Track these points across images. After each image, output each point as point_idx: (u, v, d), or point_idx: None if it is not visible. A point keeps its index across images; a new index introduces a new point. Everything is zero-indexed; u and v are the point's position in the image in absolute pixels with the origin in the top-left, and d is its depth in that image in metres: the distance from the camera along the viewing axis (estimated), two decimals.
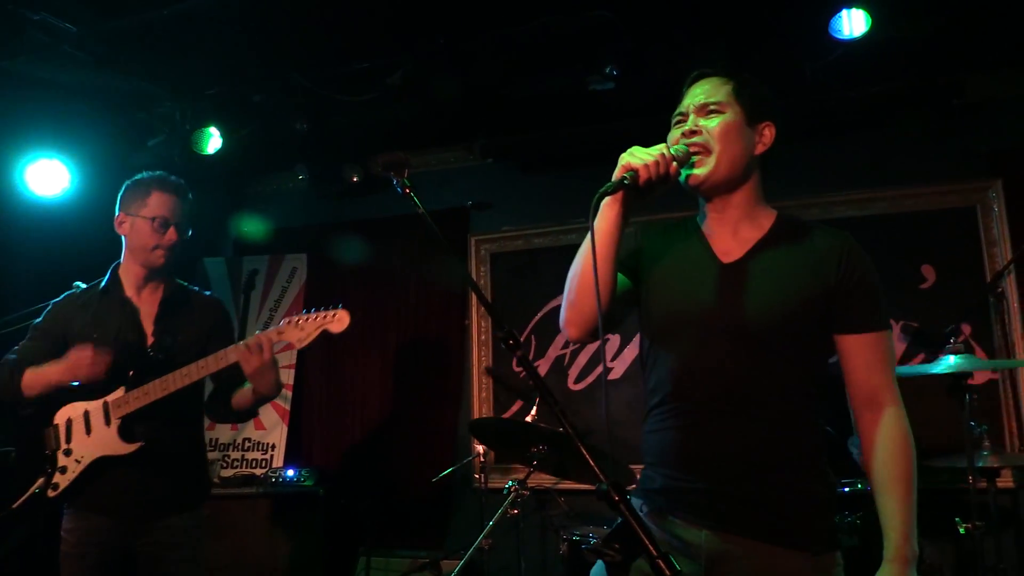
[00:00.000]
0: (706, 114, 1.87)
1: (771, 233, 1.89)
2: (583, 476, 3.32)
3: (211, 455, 4.87)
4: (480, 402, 4.78)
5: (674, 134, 1.91)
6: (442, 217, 4.96)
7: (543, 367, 4.65)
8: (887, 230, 4.18)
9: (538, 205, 4.78)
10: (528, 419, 3.62)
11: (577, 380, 4.58)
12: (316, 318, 2.67)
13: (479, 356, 4.83)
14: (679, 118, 1.92)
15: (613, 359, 4.53)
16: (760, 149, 1.91)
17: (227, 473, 4.77)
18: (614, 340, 4.54)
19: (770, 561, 1.72)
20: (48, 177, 4.24)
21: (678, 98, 1.99)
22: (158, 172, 2.88)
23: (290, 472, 4.53)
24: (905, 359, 4.08)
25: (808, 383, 1.82)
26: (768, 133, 1.92)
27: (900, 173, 4.22)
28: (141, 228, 2.77)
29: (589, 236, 1.84)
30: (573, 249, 4.90)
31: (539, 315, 4.70)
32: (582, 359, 4.58)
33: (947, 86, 4.07)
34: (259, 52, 4.20)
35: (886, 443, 1.79)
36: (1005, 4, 3.63)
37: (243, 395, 2.77)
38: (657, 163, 1.75)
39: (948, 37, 3.81)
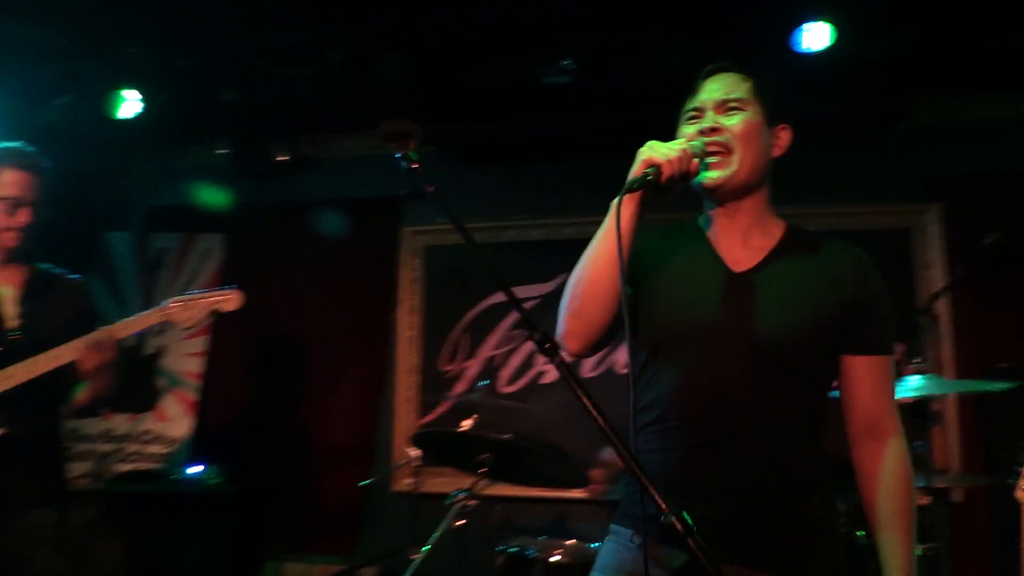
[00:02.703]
0: (726, 111, 1.73)
1: (783, 243, 1.77)
2: (537, 483, 3.20)
3: (105, 447, 4.47)
4: (405, 401, 4.54)
5: (688, 130, 1.76)
6: (373, 205, 4.72)
7: (473, 367, 4.46)
8: None
9: (478, 199, 4.59)
10: (466, 424, 3.42)
11: (509, 382, 4.41)
12: (206, 298, 2.61)
13: (406, 353, 4.59)
14: (694, 114, 1.78)
15: (547, 362, 4.38)
16: (776, 152, 1.80)
17: (124, 468, 4.37)
18: None
19: None
20: None
21: (689, 92, 1.86)
22: (12, 144, 2.65)
23: (195, 469, 4.18)
24: None
25: (817, 404, 1.71)
26: (784, 136, 1.81)
27: (841, 191, 4.25)
28: None
29: (600, 238, 1.68)
30: (513, 246, 4.75)
31: (473, 312, 4.51)
32: (515, 360, 4.42)
33: (894, 108, 4.13)
34: (188, 12, 3.86)
35: (891, 476, 1.69)
36: (956, 32, 3.70)
37: (81, 394, 2.61)
38: (680, 159, 1.61)
39: (900, 60, 3.86)
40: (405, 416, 4.51)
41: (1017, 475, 2.26)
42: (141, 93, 4.15)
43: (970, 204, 4.04)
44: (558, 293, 4.47)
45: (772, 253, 1.75)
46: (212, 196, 4.78)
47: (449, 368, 4.49)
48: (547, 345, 1.35)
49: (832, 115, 4.17)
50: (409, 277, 4.65)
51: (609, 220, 1.66)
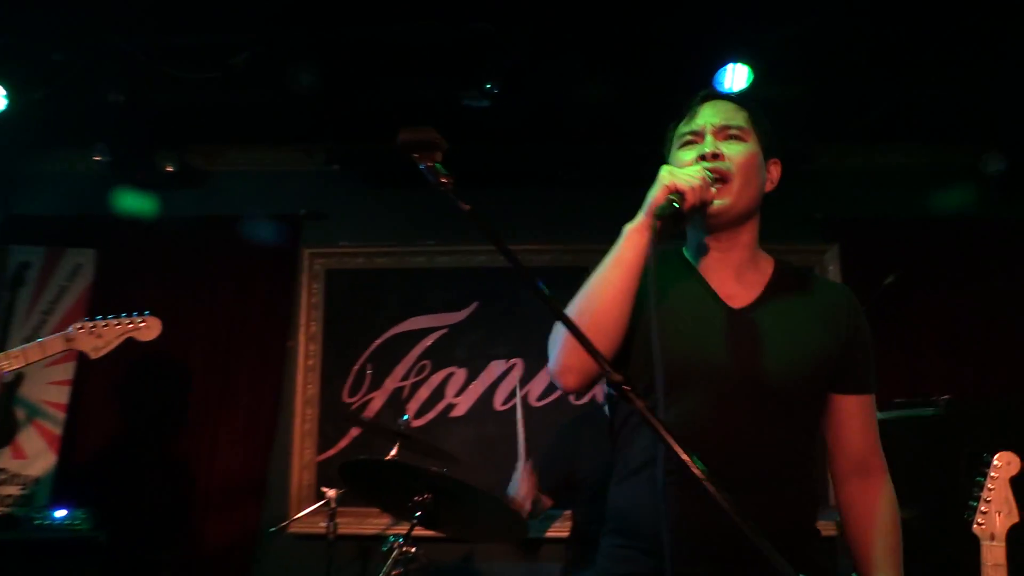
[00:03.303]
0: (726, 138, 1.67)
1: (776, 279, 1.73)
2: (480, 532, 3.02)
3: None
4: (302, 435, 4.23)
5: (686, 156, 1.68)
6: (268, 223, 4.40)
7: (378, 400, 4.22)
8: None
9: (384, 222, 4.38)
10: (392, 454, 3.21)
11: (417, 415, 4.21)
12: (119, 324, 2.49)
13: (304, 383, 4.29)
14: (691, 138, 1.70)
15: (458, 394, 4.22)
16: (769, 187, 1.76)
17: None
18: (459, 374, 4.24)
19: None
20: None
21: (680, 115, 1.78)
22: None
23: (60, 513, 3.69)
24: None
25: (812, 445, 1.68)
26: (775, 171, 1.78)
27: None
28: None
29: (609, 266, 1.58)
30: (419, 273, 4.56)
31: (378, 342, 4.28)
32: (423, 393, 4.22)
33: (799, 151, 4.29)
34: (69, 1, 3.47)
35: (884, 513, 1.70)
36: (858, 83, 3.88)
37: None
38: (702, 187, 1.54)
39: (806, 106, 4.00)
40: (302, 451, 4.20)
41: (973, 509, 2.33)
42: (7, 88, 3.70)
43: (865, 246, 4.25)
44: (469, 323, 4.34)
45: (767, 290, 1.71)
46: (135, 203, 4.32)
47: (352, 400, 4.23)
48: (625, 387, 1.20)
49: None
50: (308, 302, 4.36)
51: (620, 248, 1.57)
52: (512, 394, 4.18)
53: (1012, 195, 4.22)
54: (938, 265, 4.14)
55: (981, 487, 2.33)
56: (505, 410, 4.18)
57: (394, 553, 2.61)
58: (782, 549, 1.53)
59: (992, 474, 2.33)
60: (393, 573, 2.60)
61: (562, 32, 3.65)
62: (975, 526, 2.29)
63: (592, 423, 3.81)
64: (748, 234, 1.72)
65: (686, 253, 1.78)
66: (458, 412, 4.20)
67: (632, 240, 1.56)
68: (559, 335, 1.59)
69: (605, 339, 1.55)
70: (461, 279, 4.30)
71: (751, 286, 1.70)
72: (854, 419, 1.70)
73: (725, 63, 3.67)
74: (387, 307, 4.30)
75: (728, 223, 1.67)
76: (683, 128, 1.74)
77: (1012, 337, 4.11)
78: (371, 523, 3.88)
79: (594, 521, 3.46)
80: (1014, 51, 3.59)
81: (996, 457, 2.33)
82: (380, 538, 3.31)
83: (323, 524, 3.31)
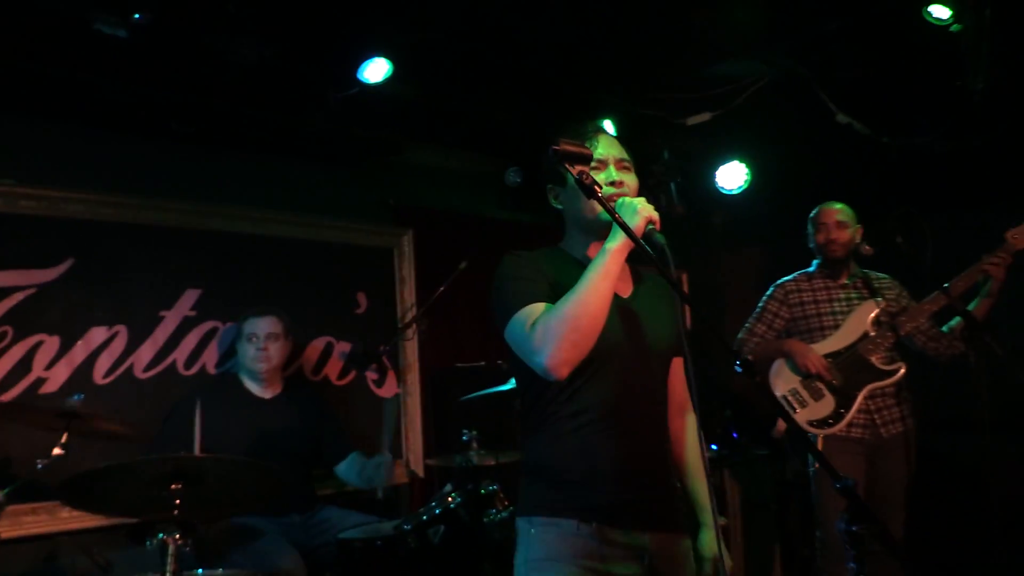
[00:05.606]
0: (622, 168, 2.19)
1: (634, 274, 2.32)
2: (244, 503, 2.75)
3: None
4: None
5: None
6: None
7: None
8: (332, 258, 4.58)
9: None
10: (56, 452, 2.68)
11: None
12: None
13: None
14: (596, 165, 2.13)
15: (49, 367, 3.55)
16: None
17: None
18: (51, 342, 3.56)
19: (679, 548, 2.15)
20: None
21: (574, 139, 2.12)
22: None
23: None
24: (343, 376, 4.50)
25: None
26: None
27: (345, 207, 4.70)
28: None
29: (600, 278, 1.96)
30: (27, 221, 3.84)
31: None
32: (4, 365, 3.42)
33: (389, 144, 4.75)
34: None
35: (695, 440, 2.39)
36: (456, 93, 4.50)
37: None
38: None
39: (410, 103, 4.45)
40: None
41: None
42: None
43: (435, 233, 4.95)
44: (62, 283, 3.85)
45: (635, 282, 2.28)
46: None
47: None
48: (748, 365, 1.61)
49: (346, 139, 4.56)
50: None
51: (606, 264, 1.96)
52: (116, 364, 3.73)
53: (527, 201, 5.35)
54: (490, 254, 5.05)
55: None
56: (107, 383, 3.70)
57: (171, 548, 2.31)
58: (670, 472, 2.15)
59: None
60: (172, 568, 2.31)
61: None
62: None
63: (219, 393, 3.71)
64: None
65: (570, 252, 2.22)
66: (50, 388, 3.54)
67: (616, 257, 1.96)
68: (555, 334, 1.91)
69: (593, 339, 1.96)
70: (52, 230, 3.62)
71: (624, 279, 2.23)
72: (678, 374, 2.33)
73: (374, 55, 3.92)
74: None
75: None
76: (589, 154, 2.10)
77: None
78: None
79: None
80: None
81: None
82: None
83: None
